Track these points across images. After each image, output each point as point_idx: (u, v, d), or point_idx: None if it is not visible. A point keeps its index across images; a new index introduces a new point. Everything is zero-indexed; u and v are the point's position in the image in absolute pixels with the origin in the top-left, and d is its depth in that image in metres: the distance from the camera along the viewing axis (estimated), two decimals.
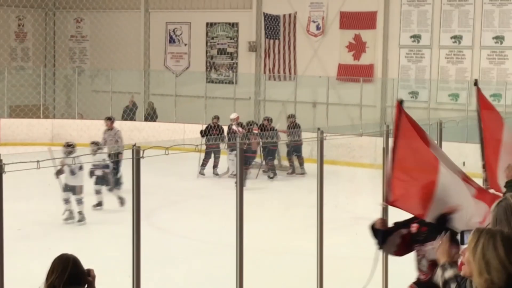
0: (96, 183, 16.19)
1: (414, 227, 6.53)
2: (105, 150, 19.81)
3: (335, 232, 12.03)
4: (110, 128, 20.04)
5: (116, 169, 18.67)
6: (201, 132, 23.07)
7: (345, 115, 27.54)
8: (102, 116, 29.99)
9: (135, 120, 29.57)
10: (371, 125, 27.03)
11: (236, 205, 7.63)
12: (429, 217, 6.43)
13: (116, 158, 18.56)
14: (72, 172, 14.84)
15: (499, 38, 26.18)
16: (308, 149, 23.76)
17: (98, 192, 16.28)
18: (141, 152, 6.53)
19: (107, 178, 16.49)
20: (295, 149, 23.31)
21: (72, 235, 14.03)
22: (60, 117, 32.24)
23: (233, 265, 7.81)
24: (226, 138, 23.62)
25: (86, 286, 5.08)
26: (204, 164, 22.69)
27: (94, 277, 5.15)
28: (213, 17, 30.67)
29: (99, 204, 16.27)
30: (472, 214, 6.18)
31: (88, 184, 15.96)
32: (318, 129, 8.87)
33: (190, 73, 31.22)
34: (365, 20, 27.53)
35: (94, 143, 16.84)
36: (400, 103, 6.82)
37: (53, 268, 5.11)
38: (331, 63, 28.31)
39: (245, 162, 20.47)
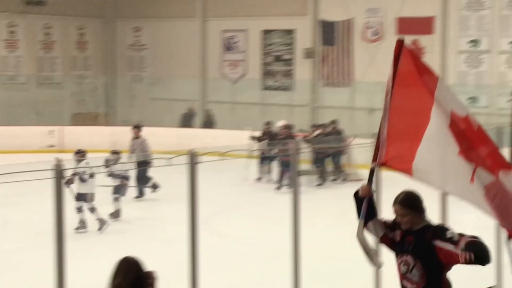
0: (114, 192, 16.10)
1: (397, 235, 5.77)
2: (133, 158, 19.52)
3: None
4: (137, 137, 19.94)
5: (142, 177, 18.40)
6: (253, 138, 23.06)
7: None
8: (161, 123, 30.38)
9: (192, 127, 29.71)
10: None
11: (292, 210, 7.46)
12: (415, 176, 5.64)
13: (143, 166, 18.25)
14: (82, 180, 14.72)
15: None
16: (365, 155, 23.96)
17: (115, 200, 16.17)
18: (198, 157, 6.51)
19: (124, 188, 16.25)
20: (334, 156, 22.89)
21: (117, 239, 13.95)
22: (120, 124, 32.29)
23: (288, 271, 7.67)
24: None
25: None
26: (260, 170, 22.80)
27: (155, 279, 5.15)
28: (269, 24, 30.69)
29: (117, 212, 16.04)
30: (456, 174, 5.44)
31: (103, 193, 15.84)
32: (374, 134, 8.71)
33: (246, 80, 31.36)
34: (423, 25, 27.20)
35: (115, 152, 16.50)
36: (401, 42, 5.78)
37: (116, 271, 5.13)
38: (388, 68, 28.10)
39: (287, 166, 19.92)
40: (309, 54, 29.25)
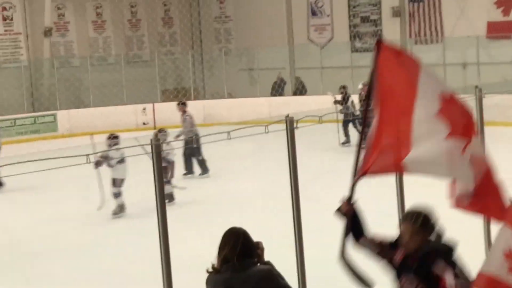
0: None
1: (397, 257, 5.27)
2: (181, 136, 19.06)
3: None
4: (183, 112, 19.66)
5: (195, 153, 18.20)
6: (336, 101, 22.65)
7: (497, 75, 26.10)
8: (251, 94, 30.67)
9: (283, 95, 29.75)
10: None
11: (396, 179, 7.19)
12: (409, 171, 5.27)
13: (194, 144, 17.72)
14: (109, 165, 14.54)
15: None
16: None
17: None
18: (295, 123, 6.40)
19: (167, 171, 15.53)
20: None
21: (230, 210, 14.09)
22: (211, 97, 32.80)
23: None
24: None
25: (256, 259, 5.07)
26: (345, 134, 22.63)
27: (263, 249, 5.11)
28: None
29: (168, 196, 14.88)
30: (448, 157, 5.04)
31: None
32: (476, 87, 8.33)
33: (334, 44, 31.10)
34: None
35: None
36: (379, 42, 5.36)
37: (224, 242, 5.08)
38: (480, 21, 27.17)
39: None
40: (396, 12, 28.78)
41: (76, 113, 29.51)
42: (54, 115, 28.81)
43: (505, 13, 27.01)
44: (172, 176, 15.73)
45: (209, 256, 5.24)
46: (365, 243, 5.35)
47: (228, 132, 11.58)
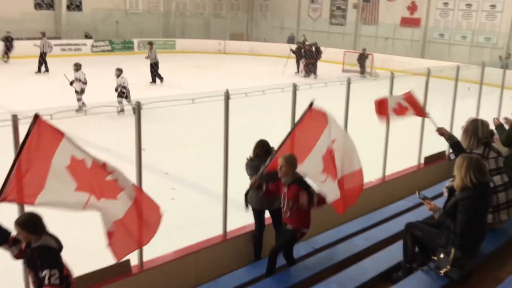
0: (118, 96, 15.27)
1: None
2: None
3: None
4: (151, 49, 20.79)
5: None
6: (292, 50, 24.84)
7: (403, 46, 29.86)
8: (274, 40, 33.11)
9: (293, 43, 29.71)
10: (416, 50, 29.07)
11: (346, 94, 6.91)
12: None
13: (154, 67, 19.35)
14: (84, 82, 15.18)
15: None
16: (381, 63, 26.40)
17: (119, 102, 15.05)
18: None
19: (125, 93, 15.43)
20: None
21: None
22: (255, 40, 34.84)
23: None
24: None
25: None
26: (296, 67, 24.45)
27: (274, 151, 5.42)
28: None
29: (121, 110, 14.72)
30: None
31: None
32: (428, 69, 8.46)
33: (321, 19, 34.06)
34: None
35: (118, 70, 15.84)
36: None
37: (256, 145, 5.81)
38: (397, 16, 30.43)
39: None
40: (355, 5, 32.41)
41: (188, 42, 32.55)
42: (174, 41, 33.05)
43: (411, 13, 30.54)
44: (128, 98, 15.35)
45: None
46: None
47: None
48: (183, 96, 5.23)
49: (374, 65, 25.70)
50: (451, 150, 6.06)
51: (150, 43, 21.44)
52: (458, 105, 8.98)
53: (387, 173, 8.04)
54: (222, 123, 5.72)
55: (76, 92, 15.23)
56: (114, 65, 17.64)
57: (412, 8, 30.35)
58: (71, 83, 15.18)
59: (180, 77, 21.82)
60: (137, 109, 4.98)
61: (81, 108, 14.44)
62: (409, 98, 6.87)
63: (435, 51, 28.95)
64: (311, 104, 5.48)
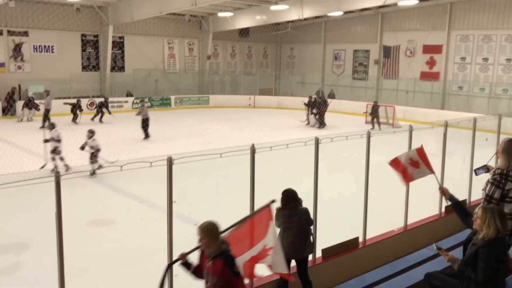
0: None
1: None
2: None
3: None
4: (142, 105, 20.38)
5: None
6: (305, 104, 24.75)
7: (423, 97, 29.54)
8: (300, 94, 31.65)
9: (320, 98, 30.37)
10: (437, 102, 28.78)
11: (366, 147, 6.92)
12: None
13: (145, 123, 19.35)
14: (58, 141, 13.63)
15: None
16: (402, 114, 26.72)
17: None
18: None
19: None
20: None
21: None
22: (282, 95, 34.98)
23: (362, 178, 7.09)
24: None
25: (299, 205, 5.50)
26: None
27: (301, 201, 5.66)
28: (357, 47, 33.72)
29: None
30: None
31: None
32: (446, 121, 8.22)
33: (344, 75, 34.53)
34: (436, 49, 29.24)
35: (90, 131, 14.18)
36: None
37: (285, 195, 5.65)
38: (417, 71, 30.17)
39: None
40: (376, 61, 33.29)
41: (220, 97, 33.66)
42: (208, 97, 33.73)
43: (430, 68, 30.57)
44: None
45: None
46: None
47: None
48: (213, 151, 5.33)
49: (396, 116, 25.61)
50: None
51: (142, 100, 21.33)
52: (477, 154, 8.76)
53: (409, 221, 7.87)
54: (249, 175, 5.68)
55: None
56: (153, 120, 18.49)
57: (431, 63, 30.54)
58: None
59: (214, 129, 22.27)
60: (169, 163, 5.00)
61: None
62: (421, 152, 6.62)
63: (454, 103, 28.87)
64: (271, 202, 5.05)
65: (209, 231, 4.39)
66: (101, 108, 24.72)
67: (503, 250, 4.65)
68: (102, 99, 25.99)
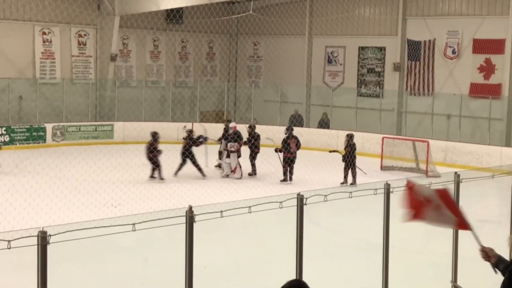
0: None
1: None
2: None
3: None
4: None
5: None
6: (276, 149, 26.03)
7: (475, 126, 31.80)
8: (272, 122, 35.29)
9: (301, 127, 33.28)
10: (498, 135, 31.09)
11: (384, 206, 8.57)
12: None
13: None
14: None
15: None
16: (442, 154, 28.58)
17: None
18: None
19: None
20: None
21: None
22: (239, 121, 35.20)
23: (374, 261, 9.16)
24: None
25: None
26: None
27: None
28: (364, 42, 35.92)
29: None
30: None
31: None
32: (455, 173, 9.80)
33: (344, 88, 36.59)
34: (495, 46, 31.39)
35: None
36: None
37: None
38: (464, 82, 32.10)
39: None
40: (397, 67, 34.33)
41: (130, 125, 34.12)
42: (112, 125, 34.43)
43: (486, 77, 31.56)
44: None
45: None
46: None
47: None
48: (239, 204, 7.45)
49: (431, 158, 26.37)
50: None
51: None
52: None
53: None
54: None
55: None
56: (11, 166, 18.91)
57: (487, 69, 31.73)
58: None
59: (121, 182, 23.72)
60: (188, 219, 7.11)
61: None
62: (445, 196, 7.30)
63: None
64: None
65: None
66: None
67: None
68: None
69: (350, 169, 24.90)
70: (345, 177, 24.77)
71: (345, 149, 25.31)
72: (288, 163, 25.01)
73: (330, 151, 26.98)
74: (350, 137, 25.29)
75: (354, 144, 25.26)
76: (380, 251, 9.39)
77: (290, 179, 25.11)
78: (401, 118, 34.45)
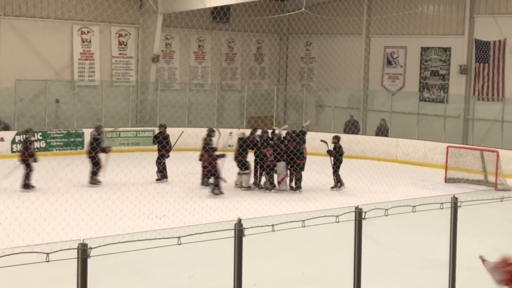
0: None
1: None
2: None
3: None
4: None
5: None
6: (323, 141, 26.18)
7: None
8: (326, 129, 35.40)
9: (356, 133, 34.03)
10: None
11: (451, 222, 8.81)
12: None
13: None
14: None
15: None
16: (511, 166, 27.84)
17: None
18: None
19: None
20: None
21: None
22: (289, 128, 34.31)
23: (439, 280, 9.37)
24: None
25: None
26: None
27: None
28: (427, 42, 35.59)
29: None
30: None
31: None
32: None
33: (404, 92, 36.38)
34: None
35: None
36: None
37: None
38: None
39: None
40: (463, 70, 34.43)
41: (176, 132, 31.60)
42: (153, 131, 33.47)
43: None
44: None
45: None
46: None
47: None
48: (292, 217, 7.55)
49: (502, 170, 26.23)
50: None
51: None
52: None
53: None
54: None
55: None
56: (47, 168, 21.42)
57: None
58: None
59: (165, 192, 24.18)
60: (237, 233, 7.22)
61: None
62: None
63: None
64: None
65: None
66: None
67: None
68: None
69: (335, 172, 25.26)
70: (338, 181, 25.59)
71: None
72: (267, 171, 25.20)
73: (321, 140, 26.88)
74: (337, 139, 25.84)
75: (340, 147, 25.60)
76: (442, 270, 9.36)
77: (291, 187, 25.54)
78: (467, 125, 34.50)
